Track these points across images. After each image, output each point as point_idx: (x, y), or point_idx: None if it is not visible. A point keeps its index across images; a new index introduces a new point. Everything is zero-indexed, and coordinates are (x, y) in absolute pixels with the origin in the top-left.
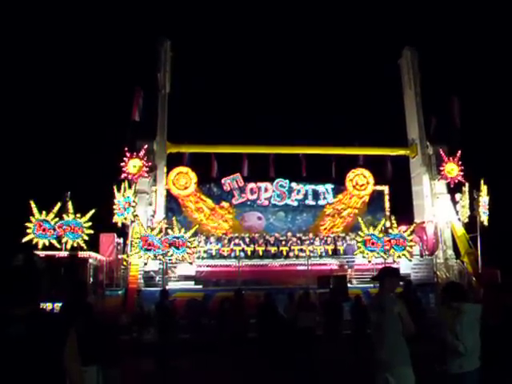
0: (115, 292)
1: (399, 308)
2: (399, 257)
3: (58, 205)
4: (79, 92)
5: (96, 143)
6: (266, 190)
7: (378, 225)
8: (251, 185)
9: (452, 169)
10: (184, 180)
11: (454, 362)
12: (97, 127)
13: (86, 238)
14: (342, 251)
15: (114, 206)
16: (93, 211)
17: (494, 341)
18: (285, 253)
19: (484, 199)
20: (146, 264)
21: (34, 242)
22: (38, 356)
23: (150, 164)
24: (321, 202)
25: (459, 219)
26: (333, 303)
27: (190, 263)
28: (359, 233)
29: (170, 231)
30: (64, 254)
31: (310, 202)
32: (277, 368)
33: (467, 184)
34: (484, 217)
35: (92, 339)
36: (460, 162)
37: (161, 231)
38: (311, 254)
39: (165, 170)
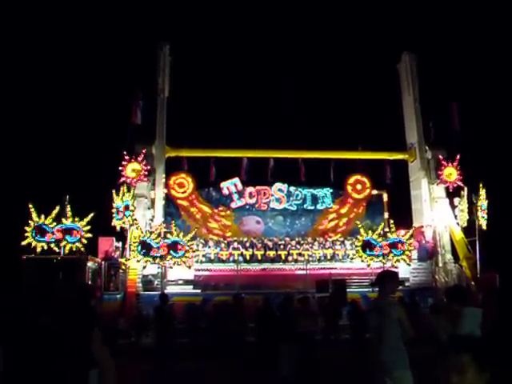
0: (114, 296)
1: (398, 313)
2: (398, 261)
3: (57, 208)
4: (79, 95)
5: (95, 147)
6: (264, 194)
7: (376, 229)
8: (250, 189)
9: (451, 173)
10: (182, 184)
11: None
12: (96, 131)
13: (85, 241)
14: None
15: (113, 210)
16: (91, 215)
17: (492, 344)
18: (283, 257)
19: (482, 203)
20: (144, 268)
21: (32, 246)
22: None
23: (148, 168)
24: (319, 207)
25: (458, 223)
26: (331, 307)
27: (189, 267)
28: (358, 237)
29: (168, 235)
30: (62, 257)
31: (308, 206)
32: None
33: (466, 188)
34: (482, 221)
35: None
36: (459, 167)
37: (159, 235)
38: (310, 259)
39: (163, 174)
